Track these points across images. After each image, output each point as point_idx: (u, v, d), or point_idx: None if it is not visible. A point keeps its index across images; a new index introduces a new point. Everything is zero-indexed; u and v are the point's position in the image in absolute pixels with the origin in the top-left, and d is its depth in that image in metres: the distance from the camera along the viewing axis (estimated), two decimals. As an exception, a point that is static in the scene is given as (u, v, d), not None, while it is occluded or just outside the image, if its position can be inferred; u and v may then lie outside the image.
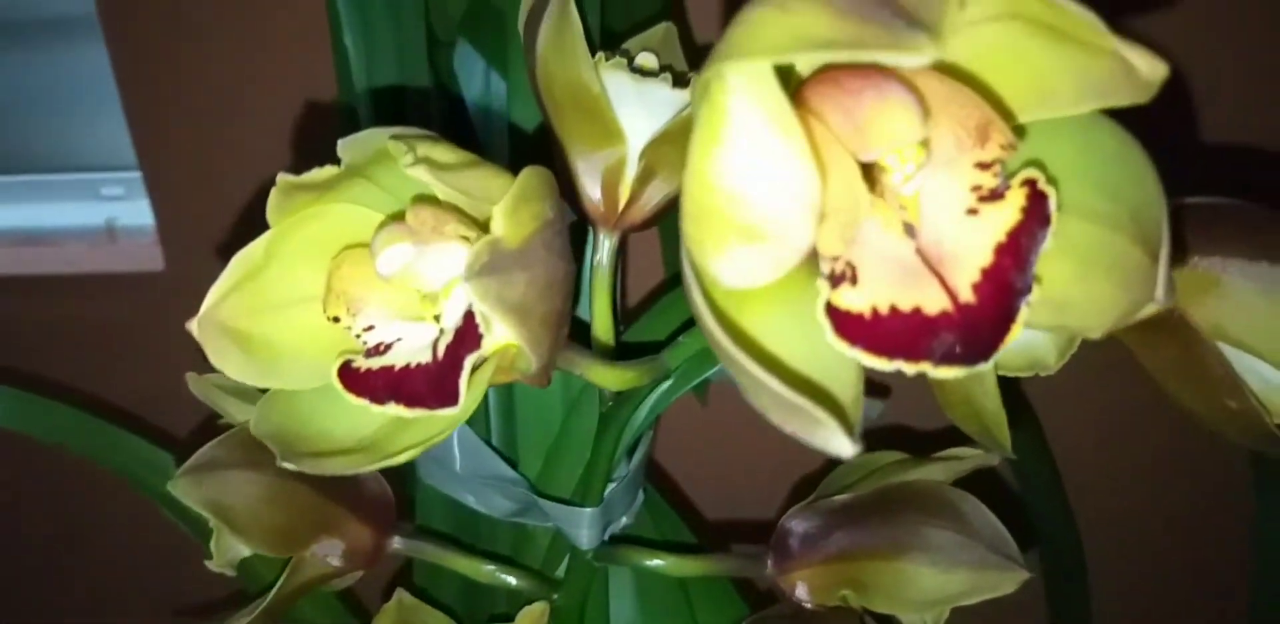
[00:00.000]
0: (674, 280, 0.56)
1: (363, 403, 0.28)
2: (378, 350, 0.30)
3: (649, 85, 0.41)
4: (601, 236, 0.43)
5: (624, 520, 0.48)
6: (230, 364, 0.29)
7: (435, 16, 0.55)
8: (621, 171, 0.42)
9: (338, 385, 0.29)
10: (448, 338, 0.28)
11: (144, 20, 0.72)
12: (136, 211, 0.84)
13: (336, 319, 0.30)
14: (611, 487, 0.46)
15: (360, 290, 0.30)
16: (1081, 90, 0.23)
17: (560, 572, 0.47)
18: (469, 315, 0.28)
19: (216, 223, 0.79)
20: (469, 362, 0.27)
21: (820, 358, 0.24)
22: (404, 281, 0.30)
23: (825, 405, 0.22)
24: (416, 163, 0.25)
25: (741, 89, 0.21)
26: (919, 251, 0.24)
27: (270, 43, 0.71)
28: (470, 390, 0.28)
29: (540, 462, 0.49)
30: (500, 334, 0.28)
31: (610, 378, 0.37)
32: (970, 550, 0.42)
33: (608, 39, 0.50)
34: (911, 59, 0.19)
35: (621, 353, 0.42)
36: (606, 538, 0.46)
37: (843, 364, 0.24)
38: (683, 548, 0.49)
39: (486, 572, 0.45)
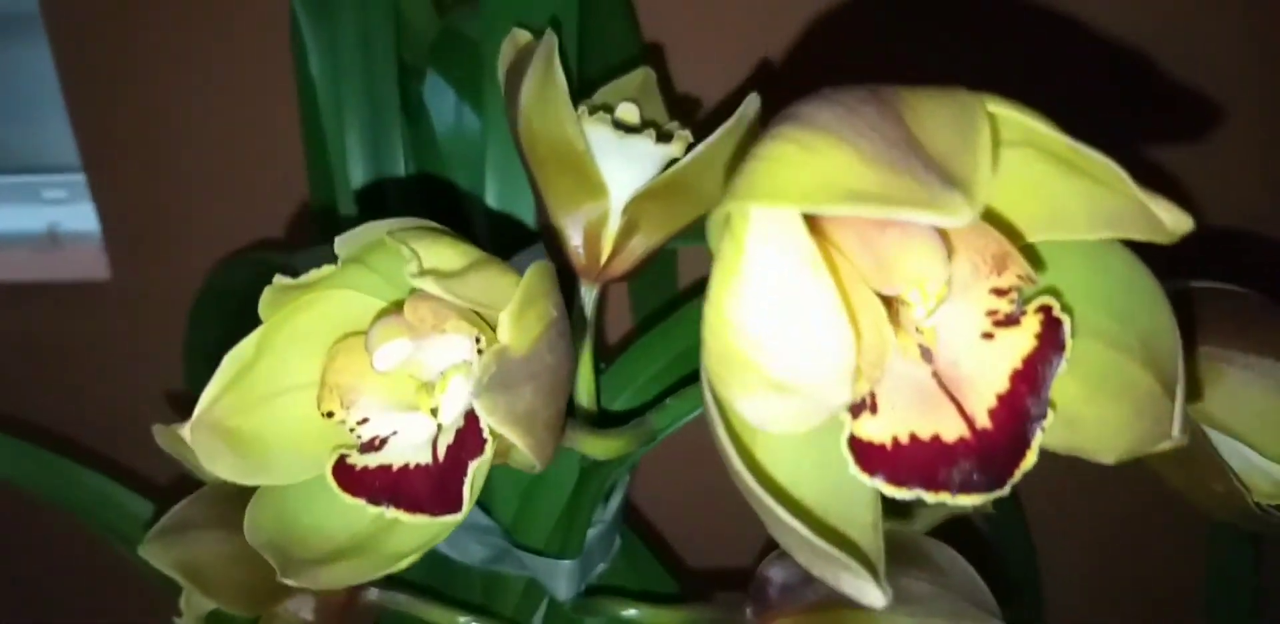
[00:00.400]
0: (643, 326, 0.56)
1: (359, 503, 0.28)
2: (373, 445, 0.29)
3: (632, 140, 0.40)
4: (583, 289, 0.42)
5: (601, 566, 0.48)
6: (221, 465, 0.28)
7: (405, 43, 0.54)
8: (604, 225, 0.41)
9: (332, 484, 0.28)
10: (448, 438, 0.28)
11: (88, 16, 0.69)
12: (80, 216, 0.80)
13: (330, 414, 0.29)
14: (589, 533, 0.46)
15: (354, 380, 0.29)
16: (1095, 220, 0.23)
17: (535, 620, 0.47)
18: (471, 417, 0.27)
19: (165, 228, 0.77)
20: (473, 467, 0.27)
21: (836, 477, 0.24)
22: (400, 370, 0.29)
23: (847, 535, 0.22)
24: (423, 274, 0.25)
25: (766, 231, 0.21)
26: (935, 375, 0.24)
27: (223, 39, 0.69)
28: (471, 491, 0.27)
29: (515, 504, 0.49)
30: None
31: (599, 447, 0.37)
32: (947, 601, 0.43)
33: (583, 83, 0.49)
34: (947, 221, 0.19)
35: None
36: (583, 587, 0.46)
37: (861, 485, 0.24)
38: (663, 596, 0.49)
39: (461, 623, 0.45)
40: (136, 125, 0.73)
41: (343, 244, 0.27)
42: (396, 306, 0.29)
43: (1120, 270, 0.24)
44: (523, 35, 0.43)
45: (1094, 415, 0.25)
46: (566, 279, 0.43)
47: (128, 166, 0.75)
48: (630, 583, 0.49)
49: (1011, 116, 0.21)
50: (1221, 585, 0.59)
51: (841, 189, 0.20)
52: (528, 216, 0.50)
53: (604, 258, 0.42)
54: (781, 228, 0.21)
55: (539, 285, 0.27)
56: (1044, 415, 0.23)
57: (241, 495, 0.31)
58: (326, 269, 0.27)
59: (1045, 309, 0.24)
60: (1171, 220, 0.20)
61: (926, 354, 0.24)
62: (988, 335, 0.24)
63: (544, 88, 0.38)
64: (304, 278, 0.27)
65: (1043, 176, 0.23)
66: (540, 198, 0.41)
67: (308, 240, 0.69)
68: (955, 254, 0.23)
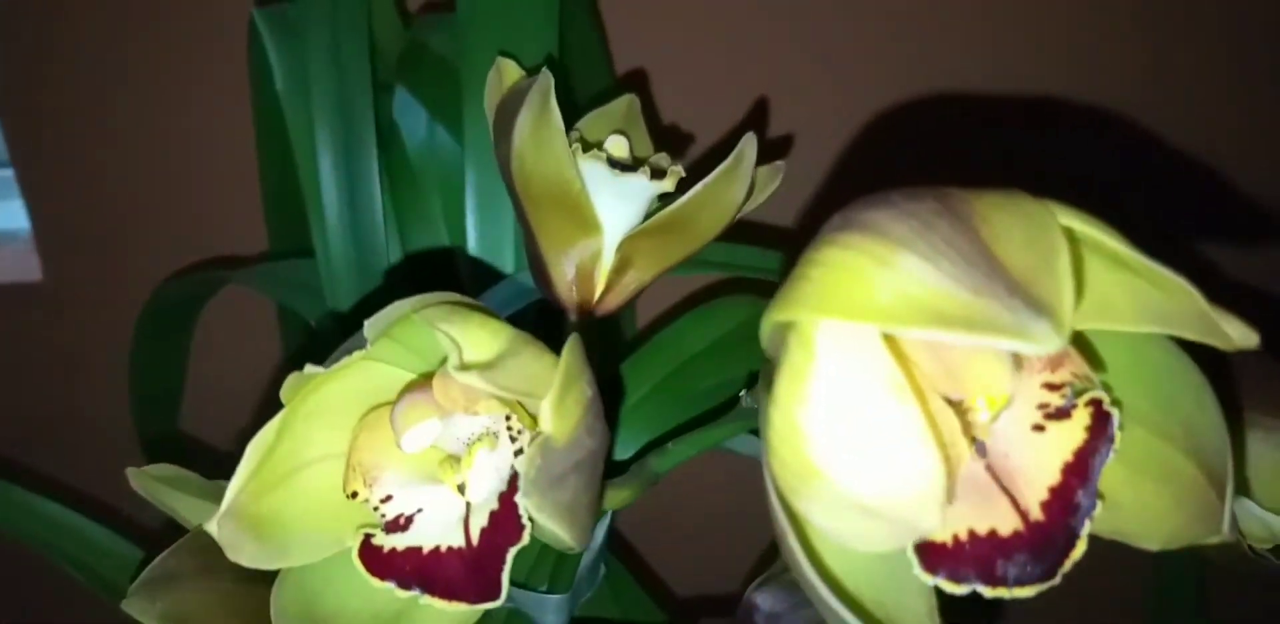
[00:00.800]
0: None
1: (387, 587, 0.27)
2: (398, 524, 0.28)
3: (627, 177, 0.39)
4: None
5: (586, 594, 0.48)
6: (245, 553, 0.27)
7: (378, 57, 0.52)
8: (598, 262, 0.41)
9: (359, 567, 0.27)
10: (480, 519, 0.27)
11: (16, 6, 0.65)
12: (9, 214, 0.77)
13: (355, 494, 0.28)
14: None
15: (377, 457, 0.28)
16: (1144, 315, 0.23)
17: (521, 650, 0.47)
18: (506, 501, 0.26)
19: (100, 226, 0.73)
20: (511, 554, 0.26)
21: (892, 567, 0.24)
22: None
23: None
24: (466, 368, 0.24)
25: (839, 343, 0.21)
26: (988, 468, 0.24)
27: (161, 30, 0.66)
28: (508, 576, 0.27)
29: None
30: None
31: (610, 499, 0.36)
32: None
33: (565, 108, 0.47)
34: (1036, 350, 0.19)
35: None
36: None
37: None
38: (648, 625, 0.49)
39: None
40: (69, 116, 0.69)
41: (371, 327, 0.26)
42: (423, 378, 0.28)
43: (1163, 359, 0.25)
44: (508, 66, 0.42)
45: (1135, 500, 0.25)
46: (554, 314, 0.43)
47: (59, 161, 0.71)
48: (614, 612, 0.49)
49: (1085, 233, 0.21)
50: (1166, 584, 0.61)
51: (924, 310, 0.19)
52: (509, 244, 0.49)
53: (597, 294, 0.41)
54: (857, 342, 0.21)
55: (575, 367, 0.26)
56: (1094, 507, 0.24)
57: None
58: (356, 355, 0.25)
59: (1095, 403, 0.24)
60: (1239, 336, 0.21)
61: (981, 448, 0.24)
62: (1039, 428, 0.24)
63: (540, 128, 0.37)
64: (334, 367, 0.26)
65: (1093, 270, 0.23)
66: (528, 230, 0.41)
67: (256, 250, 0.67)
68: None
